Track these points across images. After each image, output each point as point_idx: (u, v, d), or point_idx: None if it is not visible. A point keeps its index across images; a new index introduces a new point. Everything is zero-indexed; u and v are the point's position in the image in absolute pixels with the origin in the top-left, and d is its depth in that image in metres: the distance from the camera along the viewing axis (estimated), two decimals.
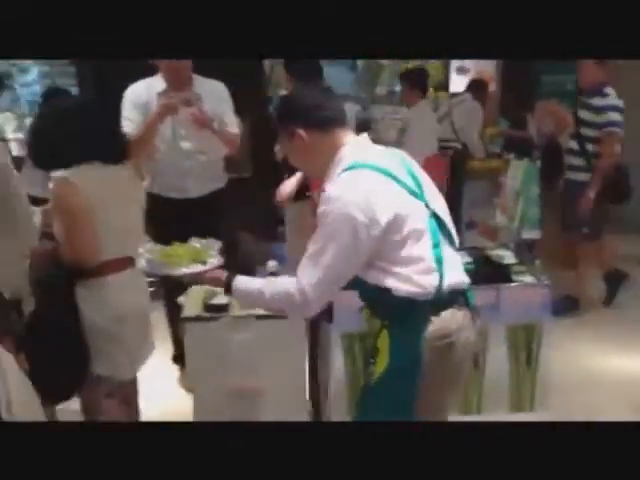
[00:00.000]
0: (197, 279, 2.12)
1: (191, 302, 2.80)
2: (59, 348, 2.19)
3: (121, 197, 2.31)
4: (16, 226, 2.32)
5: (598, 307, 4.56)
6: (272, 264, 2.93)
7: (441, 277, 1.86)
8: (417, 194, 1.91)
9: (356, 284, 1.90)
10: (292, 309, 1.89)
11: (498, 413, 2.91)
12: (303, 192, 3.75)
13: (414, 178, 1.95)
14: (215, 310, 2.70)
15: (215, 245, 2.19)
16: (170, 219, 3.24)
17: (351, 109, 5.63)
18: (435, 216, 1.93)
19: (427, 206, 1.91)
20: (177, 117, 3.19)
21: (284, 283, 1.89)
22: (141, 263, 2.17)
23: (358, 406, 2.11)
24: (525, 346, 2.91)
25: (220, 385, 2.74)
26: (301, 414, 2.78)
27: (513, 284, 2.90)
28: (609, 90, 4.10)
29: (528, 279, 2.93)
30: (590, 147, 4.17)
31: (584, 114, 4.18)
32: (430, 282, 1.85)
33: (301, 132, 1.92)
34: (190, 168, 3.37)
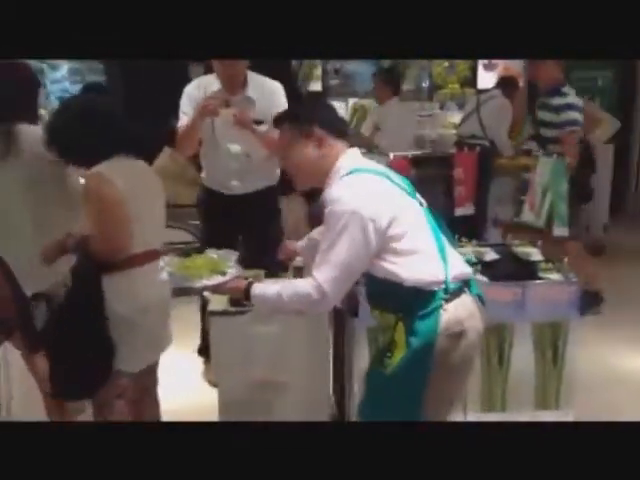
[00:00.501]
0: (217, 290, 2.19)
1: (217, 296, 2.83)
2: (86, 342, 2.22)
3: (148, 190, 2.36)
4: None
5: (623, 306, 4.50)
6: (300, 259, 2.96)
7: (446, 266, 1.96)
8: (410, 194, 2.07)
9: (368, 281, 2.01)
10: (310, 307, 1.99)
11: (522, 411, 2.90)
12: (290, 186, 3.83)
13: (404, 181, 2.11)
14: (241, 304, 2.72)
15: (232, 256, 2.24)
16: (219, 213, 3.36)
17: (375, 105, 5.63)
18: (429, 212, 2.07)
19: (421, 204, 2.06)
20: (222, 118, 3.19)
21: (300, 284, 2.00)
22: (162, 274, 2.20)
23: (367, 395, 2.13)
24: (551, 344, 2.88)
25: (245, 378, 2.77)
26: (324, 408, 2.80)
27: (539, 281, 2.88)
28: (567, 89, 4.07)
29: (555, 276, 2.91)
30: (551, 147, 4.14)
31: (543, 114, 4.16)
32: (437, 270, 1.95)
33: (320, 132, 2.02)
34: (234, 168, 3.37)
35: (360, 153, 2.13)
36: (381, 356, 2.07)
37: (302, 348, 2.74)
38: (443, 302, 1.93)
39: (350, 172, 1.97)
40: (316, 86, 5.89)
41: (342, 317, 2.89)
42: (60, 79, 5.59)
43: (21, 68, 2.55)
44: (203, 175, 3.52)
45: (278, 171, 3.44)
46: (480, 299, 2.05)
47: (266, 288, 2.07)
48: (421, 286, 1.93)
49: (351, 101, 5.69)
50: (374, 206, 1.90)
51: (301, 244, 2.51)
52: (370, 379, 2.13)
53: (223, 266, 2.14)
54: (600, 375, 3.55)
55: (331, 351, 2.93)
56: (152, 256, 2.37)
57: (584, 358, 3.08)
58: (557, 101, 4.04)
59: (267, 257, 3.15)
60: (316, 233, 2.38)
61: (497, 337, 2.84)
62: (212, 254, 2.26)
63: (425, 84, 6.34)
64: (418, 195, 2.10)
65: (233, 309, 2.73)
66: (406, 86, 6.09)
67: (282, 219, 3.75)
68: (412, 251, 1.95)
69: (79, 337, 2.22)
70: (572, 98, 4.08)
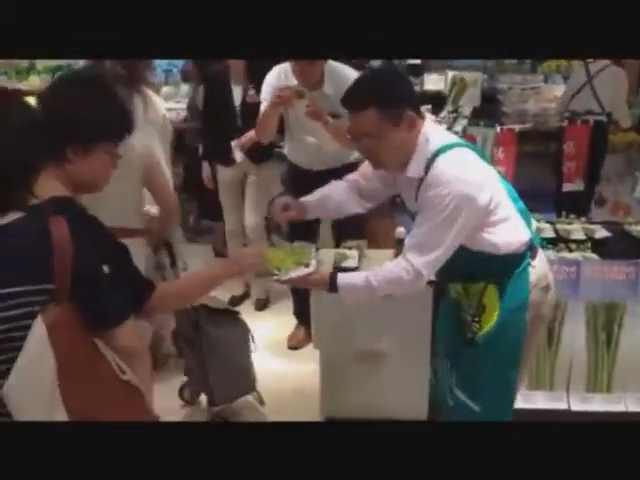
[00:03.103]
0: (301, 282, 2.11)
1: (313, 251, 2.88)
2: None
3: None
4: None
5: None
6: (401, 230, 2.96)
7: (529, 226, 2.05)
8: (487, 160, 2.07)
9: (459, 253, 1.96)
10: (404, 290, 1.98)
11: (572, 393, 2.86)
12: (267, 151, 3.87)
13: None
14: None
15: (312, 247, 2.20)
16: (302, 186, 3.37)
17: (477, 78, 5.49)
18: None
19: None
20: (295, 109, 3.26)
21: (391, 269, 1.95)
22: None
23: (463, 366, 2.16)
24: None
25: (346, 348, 2.82)
26: (423, 378, 2.81)
27: None
28: None
29: None
30: None
31: None
32: (524, 232, 2.02)
33: (409, 114, 1.92)
34: (308, 155, 3.48)
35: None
36: (464, 325, 2.10)
37: (404, 319, 2.76)
38: (530, 260, 2.03)
39: (444, 148, 1.91)
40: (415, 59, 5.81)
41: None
42: None
43: None
44: (285, 151, 3.68)
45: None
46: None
47: (352, 277, 2.04)
48: (514, 251, 1.99)
49: (450, 73, 5.56)
50: (478, 184, 1.87)
51: (309, 200, 2.29)
52: (462, 352, 2.14)
53: (305, 257, 2.10)
54: None
55: (431, 323, 2.93)
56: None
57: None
58: None
59: (358, 227, 3.22)
60: (328, 190, 2.28)
61: (606, 315, 2.77)
62: (287, 247, 2.22)
63: None
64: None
65: None
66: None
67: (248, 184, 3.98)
68: (504, 219, 1.96)
69: None
70: None
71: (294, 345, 3.82)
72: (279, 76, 3.30)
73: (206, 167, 4.15)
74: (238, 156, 3.88)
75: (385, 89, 1.92)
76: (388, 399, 2.84)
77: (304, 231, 3.07)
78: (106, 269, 1.39)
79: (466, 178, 1.85)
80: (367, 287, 1.96)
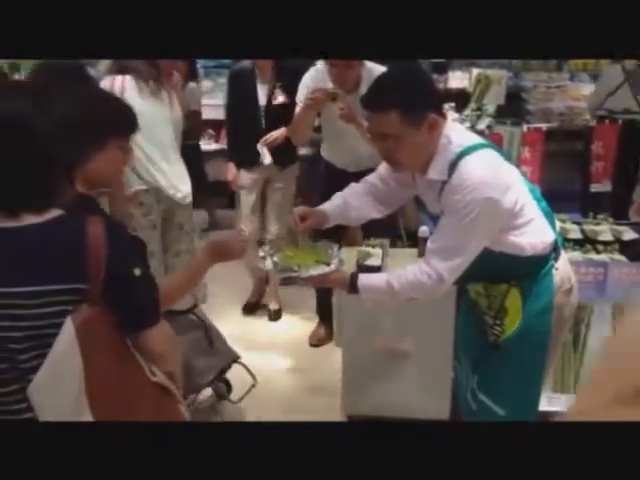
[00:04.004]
0: (321, 281, 2.08)
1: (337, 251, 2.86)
2: None
3: None
4: None
5: None
6: (424, 229, 2.94)
7: (553, 227, 2.01)
8: (508, 159, 2.01)
9: (482, 255, 1.91)
10: (426, 295, 1.95)
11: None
12: (293, 155, 3.84)
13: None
14: (369, 271, 2.75)
15: (333, 246, 2.17)
16: (336, 185, 3.39)
17: (501, 75, 5.43)
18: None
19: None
20: (328, 111, 3.24)
21: (414, 273, 1.91)
22: (265, 264, 2.10)
23: (486, 369, 2.13)
24: None
25: (369, 346, 2.81)
26: (445, 378, 2.79)
27: None
28: None
29: None
30: None
31: None
32: (548, 233, 1.99)
33: (433, 117, 1.86)
34: (343, 157, 3.47)
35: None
36: (485, 327, 2.07)
37: (427, 317, 2.74)
38: (554, 262, 2.00)
39: (466, 150, 1.85)
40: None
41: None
42: None
43: None
44: (322, 151, 3.67)
45: None
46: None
47: (373, 279, 2.01)
48: (538, 253, 1.95)
49: (475, 71, 5.50)
50: (503, 187, 1.83)
51: (329, 207, 2.22)
52: (484, 356, 2.12)
53: (327, 256, 2.07)
54: None
55: (454, 323, 2.90)
56: None
57: None
58: None
59: (385, 226, 3.19)
60: (347, 195, 2.23)
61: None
62: (309, 245, 2.19)
63: None
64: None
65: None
66: None
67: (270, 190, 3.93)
68: (529, 221, 1.93)
69: None
70: None
71: (315, 343, 3.82)
72: (315, 78, 3.28)
73: (232, 168, 4.03)
74: (267, 158, 3.78)
75: (407, 91, 1.86)
76: (410, 398, 2.82)
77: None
78: (137, 271, 1.39)
79: (491, 181, 1.80)
80: (388, 290, 1.93)
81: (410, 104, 1.83)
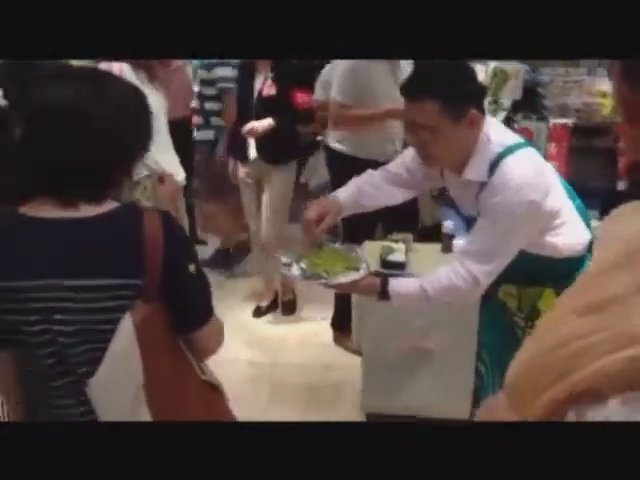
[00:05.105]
0: (351, 288, 2.00)
1: (367, 258, 2.81)
2: None
3: None
4: None
5: None
6: (448, 224, 2.89)
7: (588, 226, 1.95)
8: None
9: (517, 256, 1.83)
10: (461, 299, 1.86)
11: None
12: (286, 151, 3.68)
13: None
14: (393, 267, 2.69)
15: (357, 249, 2.09)
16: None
17: (519, 69, 5.35)
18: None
19: None
20: None
21: (448, 276, 1.82)
22: (291, 271, 1.98)
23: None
24: None
25: (391, 344, 2.75)
26: (468, 378, 2.73)
27: None
28: None
29: None
30: (208, 105, 4.21)
31: (202, 72, 4.14)
32: (584, 233, 1.94)
33: (474, 113, 1.78)
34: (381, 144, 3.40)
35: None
36: (515, 329, 2.03)
37: (450, 315, 2.68)
38: (589, 262, 1.89)
39: (508, 149, 1.78)
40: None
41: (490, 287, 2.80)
42: None
43: None
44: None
45: None
46: None
47: (405, 284, 1.91)
48: (574, 253, 1.90)
49: (491, 64, 5.43)
50: (545, 190, 1.77)
51: (345, 195, 2.09)
52: (509, 354, 2.05)
53: (355, 261, 1.98)
54: None
55: (478, 321, 2.85)
56: None
57: None
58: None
59: (408, 220, 3.14)
60: (362, 182, 2.11)
61: None
62: (332, 248, 2.08)
63: None
64: None
65: (385, 271, 2.69)
66: None
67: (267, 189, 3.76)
68: (565, 221, 1.87)
69: None
70: None
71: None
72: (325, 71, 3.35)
73: (231, 163, 3.90)
74: (252, 152, 3.64)
75: (450, 81, 1.78)
76: (431, 397, 2.78)
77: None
78: (192, 267, 1.33)
79: (534, 183, 1.73)
80: (422, 295, 1.85)
81: (451, 95, 1.75)
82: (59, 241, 1.24)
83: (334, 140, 3.45)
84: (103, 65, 2.92)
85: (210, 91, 4.17)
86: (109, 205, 1.29)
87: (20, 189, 1.29)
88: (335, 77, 3.31)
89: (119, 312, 1.25)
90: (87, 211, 1.26)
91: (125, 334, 1.23)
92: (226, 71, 4.05)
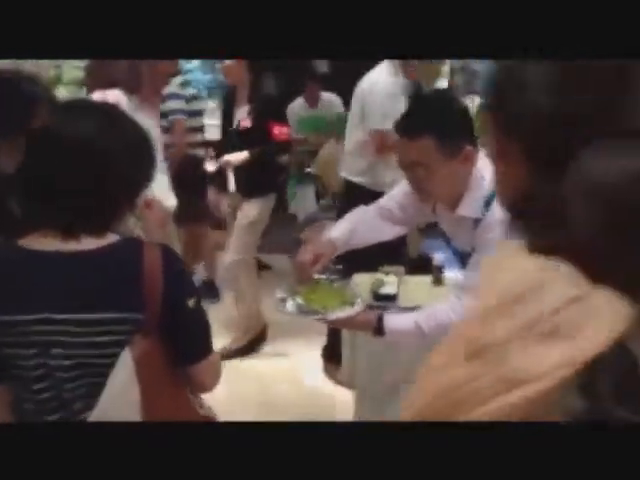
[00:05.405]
0: (347, 323, 2.01)
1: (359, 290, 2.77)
2: None
3: None
4: None
5: None
6: (438, 257, 2.86)
7: None
8: None
9: None
10: None
11: None
12: (262, 186, 3.72)
13: None
14: (384, 299, 2.65)
15: (352, 283, 2.09)
16: None
17: None
18: None
19: None
20: None
21: (447, 314, 1.82)
22: (286, 306, 1.96)
23: None
24: None
25: (382, 380, 2.69)
26: None
27: None
28: None
29: None
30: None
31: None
32: None
33: (472, 150, 1.79)
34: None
35: None
36: None
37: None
38: None
39: None
40: (442, 83, 5.75)
41: None
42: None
43: None
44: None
45: None
46: None
47: (400, 321, 1.93)
48: None
49: (477, 99, 5.50)
50: None
51: (339, 234, 2.09)
52: None
53: (350, 297, 1.99)
54: None
55: None
56: None
57: None
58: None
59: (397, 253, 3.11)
60: (355, 220, 2.12)
61: None
62: (327, 282, 2.07)
63: None
64: None
65: (376, 304, 2.64)
66: None
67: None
68: None
69: None
70: (173, 87, 3.82)
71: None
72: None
73: (212, 195, 3.99)
74: (230, 183, 3.68)
75: (445, 118, 1.80)
76: None
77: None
78: (192, 302, 1.31)
79: None
80: (417, 332, 1.86)
81: (447, 132, 1.76)
82: (58, 274, 1.23)
83: (354, 173, 3.50)
84: (97, 94, 2.91)
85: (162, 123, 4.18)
86: (110, 238, 1.27)
87: (25, 221, 1.29)
88: (370, 104, 3.34)
89: (117, 347, 1.23)
90: (88, 244, 1.24)
91: (125, 369, 1.22)
92: (178, 104, 4.02)
